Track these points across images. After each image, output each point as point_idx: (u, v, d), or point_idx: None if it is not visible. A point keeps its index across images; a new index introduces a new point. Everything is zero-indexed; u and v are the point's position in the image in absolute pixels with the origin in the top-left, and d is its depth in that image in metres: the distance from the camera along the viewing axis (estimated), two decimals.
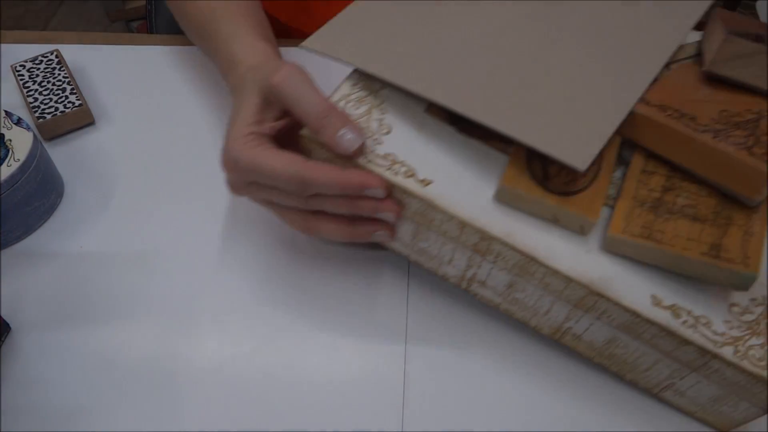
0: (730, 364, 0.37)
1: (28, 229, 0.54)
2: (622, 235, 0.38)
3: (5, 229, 0.52)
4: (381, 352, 0.47)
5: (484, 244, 0.40)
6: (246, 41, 0.51)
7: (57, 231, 0.54)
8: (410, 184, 0.41)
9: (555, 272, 0.39)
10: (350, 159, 0.41)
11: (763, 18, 1.31)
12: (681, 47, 0.48)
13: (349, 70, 0.46)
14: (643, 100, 0.41)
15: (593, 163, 0.41)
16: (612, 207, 0.41)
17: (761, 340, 0.38)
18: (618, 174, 0.42)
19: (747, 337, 0.38)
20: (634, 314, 0.38)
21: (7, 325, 0.48)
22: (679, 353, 0.39)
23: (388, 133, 0.43)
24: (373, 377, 0.46)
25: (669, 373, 0.41)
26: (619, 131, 0.42)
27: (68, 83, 0.63)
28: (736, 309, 0.39)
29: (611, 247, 0.39)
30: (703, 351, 0.37)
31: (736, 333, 0.38)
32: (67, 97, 0.61)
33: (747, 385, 0.38)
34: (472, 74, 0.42)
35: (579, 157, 0.37)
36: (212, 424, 0.44)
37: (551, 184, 0.40)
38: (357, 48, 0.45)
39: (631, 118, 0.41)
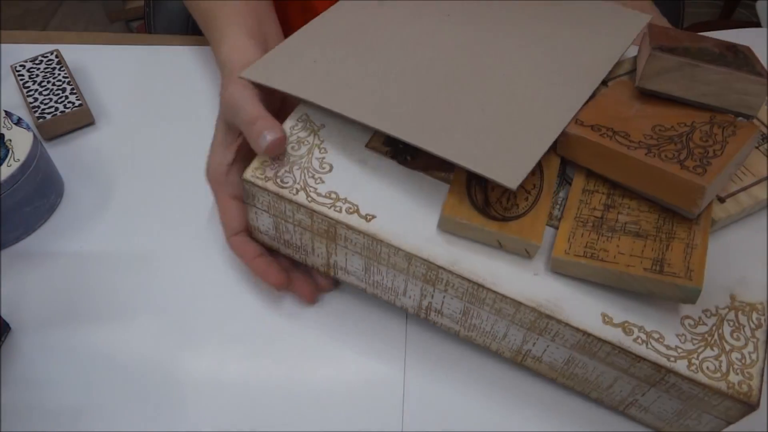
0: (685, 378, 0.37)
1: (28, 229, 0.54)
2: (566, 257, 0.39)
3: (5, 229, 0.52)
4: (381, 354, 0.47)
5: (432, 274, 0.41)
6: (232, 43, 0.51)
7: (57, 231, 0.54)
8: (354, 221, 0.41)
9: (504, 297, 0.39)
10: (270, 156, 0.43)
11: (763, 19, 1.31)
12: (619, 63, 0.49)
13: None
14: (577, 120, 0.42)
15: (535, 186, 0.42)
16: (557, 228, 0.41)
17: (716, 351, 0.38)
18: (563, 194, 0.43)
19: (701, 349, 0.38)
20: (585, 334, 0.38)
21: (7, 325, 0.48)
22: (635, 370, 0.38)
23: (329, 171, 0.43)
24: (373, 380, 0.46)
25: (630, 390, 0.40)
26: (557, 152, 0.43)
27: (68, 83, 0.63)
28: (688, 321, 0.39)
29: (557, 269, 0.40)
30: (657, 366, 0.37)
31: (689, 346, 0.38)
32: (67, 97, 0.61)
33: (705, 398, 0.37)
34: (409, 101, 0.43)
35: (510, 177, 0.37)
36: (212, 424, 0.44)
37: (492, 210, 0.40)
38: (295, 77, 0.46)
39: (566, 138, 0.42)
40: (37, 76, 0.63)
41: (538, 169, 0.43)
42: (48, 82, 0.63)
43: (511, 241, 0.40)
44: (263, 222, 0.45)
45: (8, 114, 0.54)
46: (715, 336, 0.38)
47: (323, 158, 0.44)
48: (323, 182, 0.43)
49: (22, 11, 2.05)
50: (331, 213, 0.41)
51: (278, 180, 0.42)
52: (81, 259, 0.52)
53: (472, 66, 0.46)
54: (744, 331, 0.38)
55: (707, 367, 0.37)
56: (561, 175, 0.44)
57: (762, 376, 0.37)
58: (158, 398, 0.45)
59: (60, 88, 0.62)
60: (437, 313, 0.44)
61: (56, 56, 0.65)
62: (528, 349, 0.42)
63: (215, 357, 0.47)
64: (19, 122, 0.53)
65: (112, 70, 0.67)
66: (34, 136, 0.53)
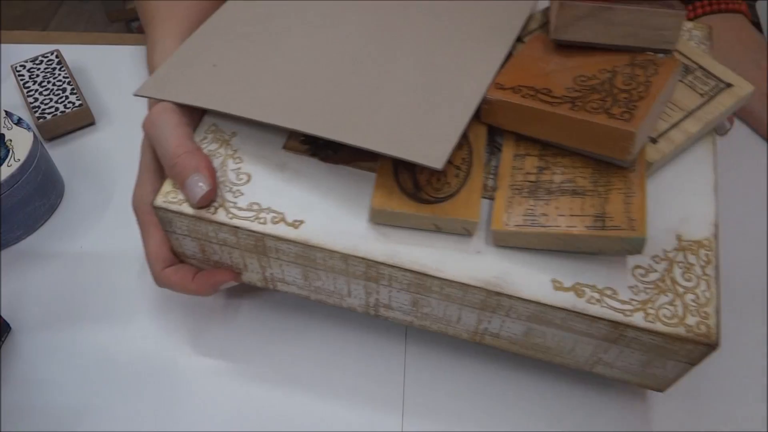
0: (643, 330, 0.36)
1: (28, 229, 0.54)
2: (506, 228, 0.37)
3: (5, 229, 0.52)
4: (381, 356, 0.47)
5: (372, 271, 0.39)
6: (161, 51, 0.47)
7: (57, 231, 0.54)
8: (281, 230, 0.39)
9: (450, 282, 0.38)
10: (202, 209, 0.39)
11: (763, 19, 1.31)
12: (531, 18, 0.47)
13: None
14: (496, 84, 0.40)
15: (464, 161, 0.40)
16: (494, 199, 0.40)
17: (670, 297, 0.37)
18: (495, 162, 0.41)
19: (655, 297, 0.37)
20: (538, 304, 0.37)
21: (7, 325, 0.48)
22: (593, 330, 0.38)
23: (247, 181, 0.41)
24: (373, 381, 0.46)
25: (592, 350, 0.40)
26: (482, 120, 0.41)
27: (68, 83, 0.63)
28: (639, 271, 0.38)
29: (499, 242, 0.38)
30: (614, 324, 0.36)
31: (643, 296, 0.37)
32: (67, 97, 0.61)
33: (666, 345, 0.37)
34: (320, 94, 0.41)
35: (434, 157, 0.36)
36: (212, 423, 0.44)
37: (423, 194, 0.39)
38: (195, 87, 0.42)
39: (489, 105, 0.40)
40: (38, 76, 0.63)
41: (466, 142, 0.41)
42: (48, 82, 0.63)
43: (448, 222, 0.38)
44: (188, 247, 0.43)
45: (8, 114, 0.54)
46: (667, 281, 0.37)
47: (239, 168, 0.41)
48: (242, 194, 0.40)
49: (22, 11, 2.05)
50: (256, 226, 0.39)
51: None
52: (81, 259, 0.52)
53: (379, 49, 0.44)
54: (694, 270, 0.38)
55: (664, 315, 0.36)
56: (490, 143, 0.42)
57: (718, 313, 0.36)
58: (158, 398, 0.45)
59: (60, 88, 0.62)
60: (386, 308, 0.42)
61: (56, 56, 0.65)
62: (485, 328, 0.41)
63: (214, 357, 0.47)
64: (19, 122, 0.53)
65: (112, 70, 0.67)
66: (35, 136, 0.53)
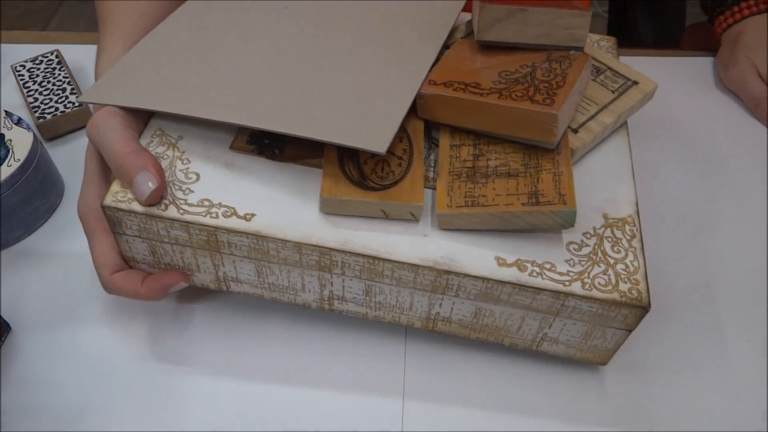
0: (582, 297, 0.39)
1: (28, 229, 0.54)
2: (449, 210, 0.40)
3: (5, 229, 0.52)
4: (381, 357, 0.47)
5: (325, 259, 0.40)
6: (108, 57, 0.47)
7: (57, 231, 0.54)
8: (234, 223, 0.40)
9: (401, 264, 0.40)
10: (151, 206, 0.40)
11: None
12: (456, 29, 0.52)
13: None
14: (429, 81, 0.44)
15: (405, 152, 0.43)
16: (435, 189, 0.43)
17: (602, 267, 0.40)
18: (434, 156, 0.45)
19: (589, 269, 0.40)
20: (485, 280, 0.40)
21: (7, 325, 0.48)
22: (537, 303, 0.40)
23: (197, 180, 0.42)
24: (373, 383, 0.46)
25: (538, 326, 0.42)
26: (418, 115, 0.45)
27: (68, 83, 0.63)
28: (573, 246, 0.41)
29: (444, 225, 0.41)
30: (555, 294, 0.39)
31: (578, 268, 0.40)
32: (67, 97, 0.61)
33: (604, 312, 0.40)
34: (262, 92, 0.42)
35: (378, 142, 0.38)
36: (212, 423, 0.44)
37: (369, 182, 0.41)
38: (140, 91, 0.43)
39: (424, 100, 0.44)
40: (38, 76, 0.63)
41: (405, 135, 0.44)
42: (48, 82, 0.63)
43: (395, 207, 0.40)
44: (137, 249, 0.43)
45: (8, 114, 0.54)
46: (599, 253, 0.41)
47: (187, 168, 0.42)
48: (192, 192, 0.41)
49: (22, 11, 2.05)
50: (208, 220, 0.40)
51: None
52: (81, 259, 0.52)
53: (317, 49, 0.46)
54: (622, 243, 0.41)
55: (599, 283, 0.39)
56: (428, 138, 0.46)
57: (646, 279, 0.40)
58: (158, 398, 0.45)
59: (60, 88, 0.62)
60: (340, 300, 0.44)
61: (56, 56, 0.65)
62: (436, 312, 0.43)
63: (214, 357, 0.47)
64: (19, 122, 0.53)
65: None
66: (35, 136, 0.53)
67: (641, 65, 0.55)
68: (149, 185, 0.39)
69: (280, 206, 0.41)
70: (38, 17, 2.04)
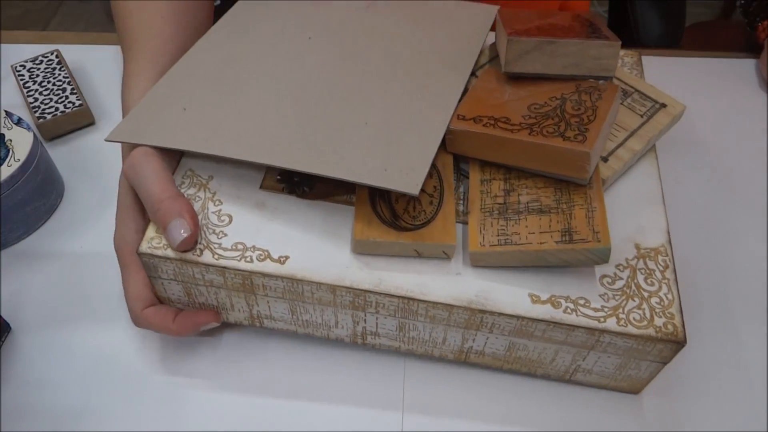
0: (617, 333, 0.39)
1: (28, 229, 0.54)
2: (482, 249, 0.40)
3: (5, 229, 0.52)
4: (380, 359, 0.47)
5: (360, 300, 0.41)
6: (143, 88, 0.46)
7: (57, 231, 0.54)
8: (268, 267, 0.40)
9: (435, 304, 0.40)
10: (184, 252, 0.40)
11: None
12: (480, 53, 0.51)
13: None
14: (458, 116, 0.43)
15: (436, 189, 0.43)
16: (466, 223, 0.42)
17: (637, 301, 0.40)
18: (463, 189, 0.45)
19: (624, 303, 0.40)
20: (519, 318, 0.39)
21: (7, 325, 0.48)
22: (572, 339, 0.40)
23: (229, 222, 0.42)
24: (373, 385, 0.46)
25: (572, 358, 0.42)
26: (448, 150, 0.44)
27: (68, 83, 0.63)
28: (606, 280, 0.41)
29: (477, 262, 0.41)
30: (590, 330, 0.39)
31: (613, 303, 0.40)
32: (67, 97, 0.61)
33: (639, 347, 0.40)
34: (292, 130, 0.42)
35: (410, 183, 0.38)
36: (211, 423, 0.44)
37: (401, 222, 0.41)
38: (168, 129, 0.43)
39: (453, 135, 0.43)
40: (38, 76, 0.63)
41: (435, 171, 0.44)
42: (48, 82, 0.63)
43: (428, 247, 0.40)
44: (172, 291, 0.43)
45: (8, 114, 0.54)
46: (633, 287, 0.40)
47: (220, 210, 0.42)
48: (226, 235, 0.41)
49: (22, 11, 2.05)
50: (243, 265, 0.40)
51: None
52: (81, 259, 0.52)
53: (345, 83, 0.46)
54: (655, 275, 0.41)
55: (634, 318, 0.39)
56: (457, 171, 0.45)
57: (681, 312, 0.39)
58: (158, 398, 0.45)
59: (60, 88, 0.62)
60: (373, 335, 0.44)
61: (56, 56, 0.65)
62: (469, 347, 0.43)
63: (214, 357, 0.47)
64: (19, 122, 0.53)
65: (112, 70, 0.67)
66: (35, 136, 0.53)
67: (644, 65, 0.55)
68: (182, 233, 0.39)
69: (313, 247, 0.41)
70: (38, 17, 2.04)
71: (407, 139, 0.41)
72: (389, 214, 0.41)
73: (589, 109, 0.42)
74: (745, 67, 0.69)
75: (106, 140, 0.43)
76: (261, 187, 0.44)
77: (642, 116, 0.47)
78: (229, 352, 0.47)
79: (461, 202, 0.44)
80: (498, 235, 0.40)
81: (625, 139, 0.45)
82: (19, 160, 0.51)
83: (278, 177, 0.44)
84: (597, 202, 0.40)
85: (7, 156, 0.51)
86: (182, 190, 0.43)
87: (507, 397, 0.45)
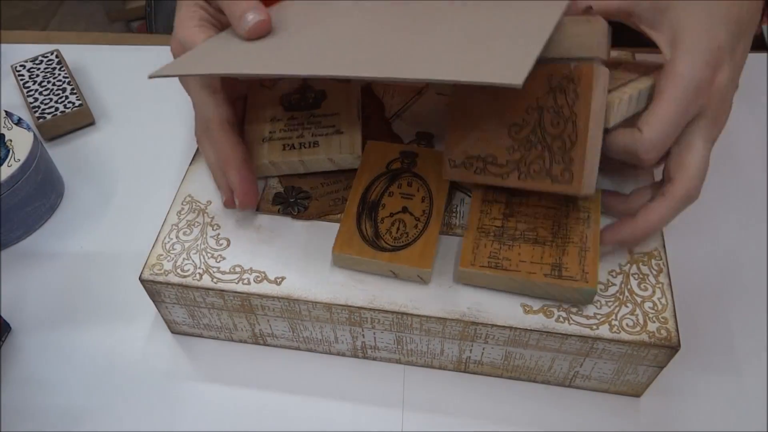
0: (610, 340, 0.39)
1: (28, 229, 0.54)
2: (472, 268, 0.40)
3: (5, 229, 0.52)
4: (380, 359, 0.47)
5: (355, 316, 0.41)
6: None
7: (57, 231, 0.54)
8: (265, 288, 0.41)
9: (428, 318, 0.40)
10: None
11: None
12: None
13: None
14: (449, 161, 0.41)
15: (424, 213, 0.42)
16: (461, 236, 0.43)
17: (630, 307, 0.40)
18: (456, 204, 0.45)
19: (616, 309, 0.40)
20: (512, 329, 0.40)
21: (7, 325, 0.48)
22: (566, 347, 0.40)
23: (227, 246, 0.44)
24: (373, 385, 0.46)
25: (569, 365, 0.42)
26: (444, 177, 0.42)
27: (68, 83, 0.63)
28: (599, 286, 0.40)
29: (464, 280, 0.41)
30: (583, 338, 0.39)
31: (606, 310, 0.40)
32: (67, 97, 0.61)
33: (634, 353, 0.39)
34: (367, 42, 0.38)
35: (513, 75, 0.30)
36: (211, 423, 0.44)
37: (382, 241, 0.41)
38: (225, 59, 0.40)
39: (448, 175, 0.42)
40: (38, 76, 0.63)
41: (428, 195, 0.44)
42: (48, 82, 0.63)
43: (404, 270, 0.41)
44: (177, 314, 0.45)
45: (8, 114, 0.54)
46: (626, 292, 0.40)
47: (218, 234, 0.44)
48: (224, 258, 0.43)
49: (22, 11, 2.05)
50: (241, 288, 0.41)
51: (178, 270, 0.42)
52: (81, 259, 0.52)
53: (424, 11, 0.41)
54: (649, 279, 0.41)
55: (627, 324, 0.39)
56: (450, 196, 0.45)
57: (675, 317, 0.39)
58: (158, 398, 0.45)
59: (60, 88, 0.62)
60: (373, 349, 0.45)
61: (56, 56, 0.65)
62: (467, 356, 0.43)
63: (215, 356, 0.47)
64: (19, 122, 0.53)
65: (112, 70, 0.67)
66: (35, 136, 0.53)
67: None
68: (257, 16, 0.39)
69: (309, 266, 0.42)
70: (38, 17, 2.04)
71: (505, 38, 0.35)
72: (372, 232, 0.42)
73: (569, 122, 0.38)
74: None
75: (149, 77, 0.39)
76: (257, 210, 0.45)
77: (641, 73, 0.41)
78: (229, 352, 0.47)
79: (454, 215, 0.44)
80: (489, 257, 0.40)
81: (628, 82, 0.40)
82: (19, 160, 0.51)
83: (272, 200, 0.46)
84: (591, 243, 0.40)
85: (7, 156, 0.51)
86: (182, 217, 0.45)
87: (507, 397, 0.45)
